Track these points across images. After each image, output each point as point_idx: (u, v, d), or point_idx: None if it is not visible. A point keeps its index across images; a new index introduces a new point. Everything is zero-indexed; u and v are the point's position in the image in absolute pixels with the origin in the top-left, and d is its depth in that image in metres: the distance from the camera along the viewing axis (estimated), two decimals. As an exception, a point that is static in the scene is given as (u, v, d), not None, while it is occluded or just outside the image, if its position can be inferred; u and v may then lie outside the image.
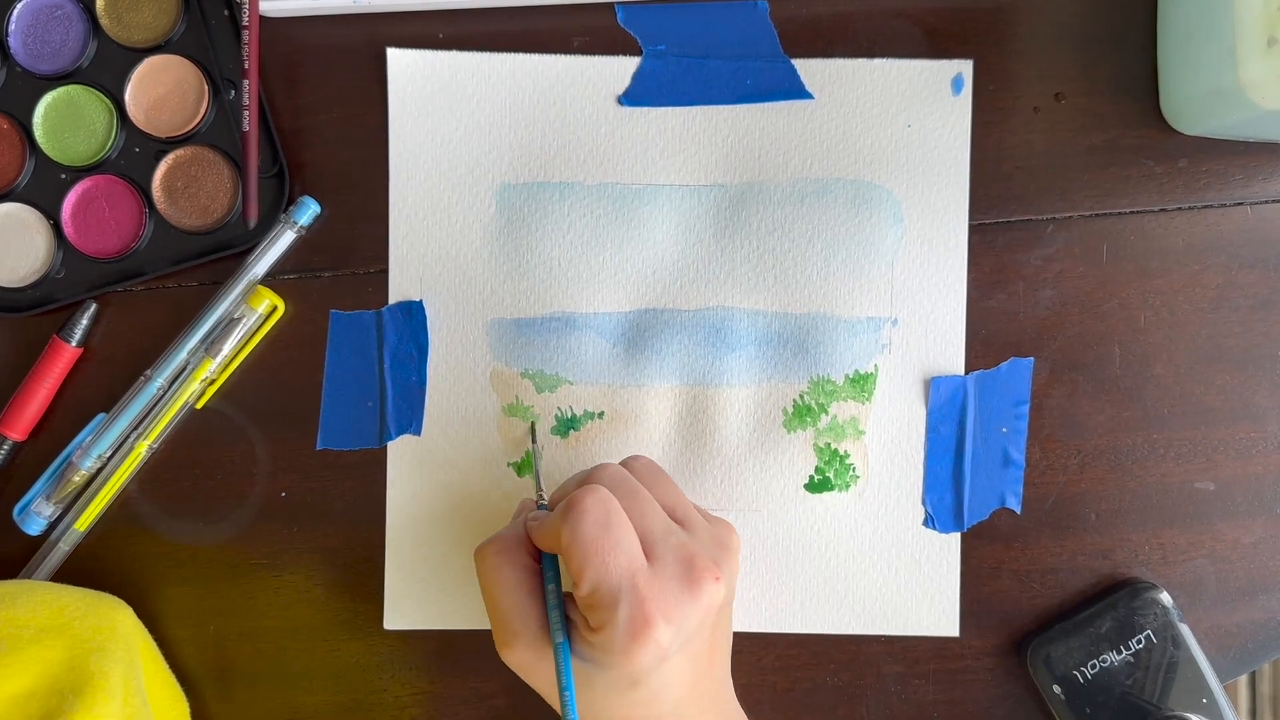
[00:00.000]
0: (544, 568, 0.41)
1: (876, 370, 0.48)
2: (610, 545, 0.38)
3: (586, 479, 0.41)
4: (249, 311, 0.48)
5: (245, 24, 0.47)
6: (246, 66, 0.47)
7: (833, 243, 0.48)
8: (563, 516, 0.39)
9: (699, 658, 0.41)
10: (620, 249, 0.48)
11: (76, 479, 0.48)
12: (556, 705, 0.40)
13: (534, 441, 0.48)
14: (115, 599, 0.46)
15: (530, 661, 0.40)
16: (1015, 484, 0.49)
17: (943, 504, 0.48)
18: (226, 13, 0.48)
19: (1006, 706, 0.49)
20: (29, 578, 0.48)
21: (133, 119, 0.48)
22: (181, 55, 0.48)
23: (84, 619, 0.44)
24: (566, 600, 0.41)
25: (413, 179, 0.49)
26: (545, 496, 0.44)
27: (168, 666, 0.48)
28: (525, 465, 0.49)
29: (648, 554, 0.39)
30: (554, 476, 0.49)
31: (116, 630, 0.44)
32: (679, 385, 0.48)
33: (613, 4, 0.48)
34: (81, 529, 0.48)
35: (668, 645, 0.38)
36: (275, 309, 0.48)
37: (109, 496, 0.48)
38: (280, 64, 0.49)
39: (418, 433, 0.49)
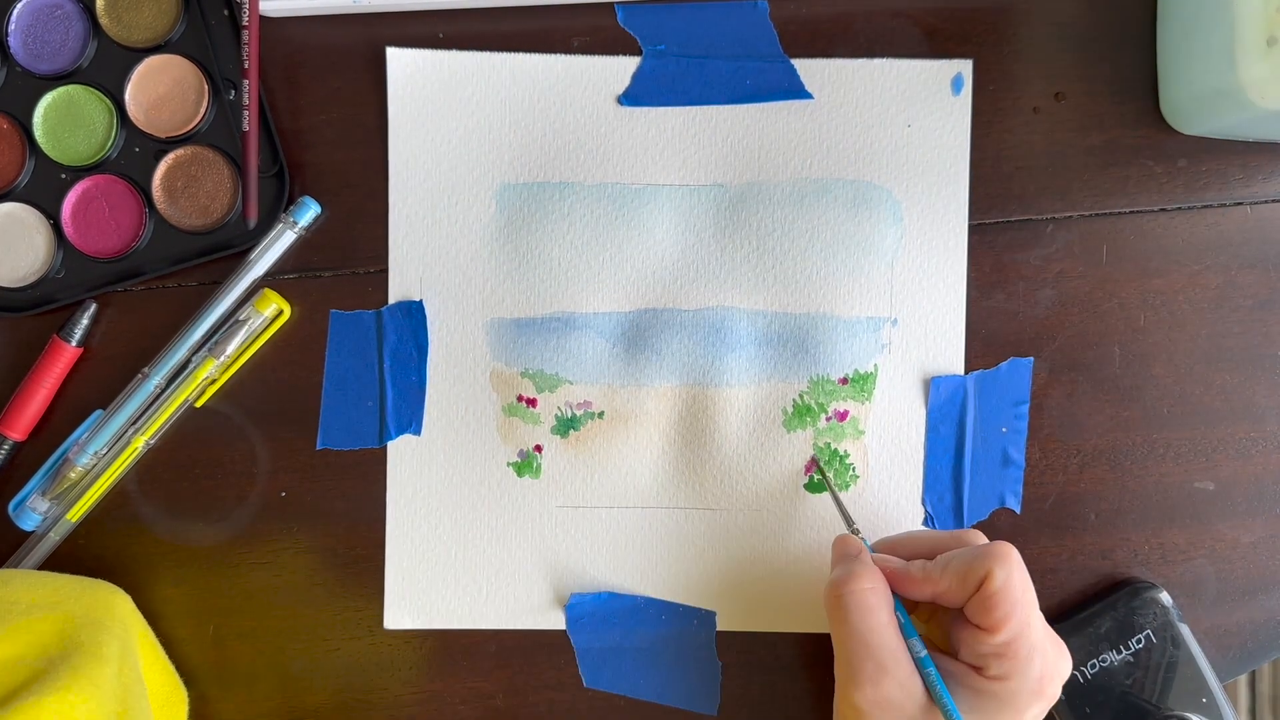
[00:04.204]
0: (900, 614, 0.41)
1: (876, 370, 0.48)
2: (1032, 601, 0.39)
3: (964, 536, 0.42)
4: (255, 314, 0.48)
5: (245, 24, 0.47)
6: (246, 66, 0.47)
7: (833, 243, 0.48)
8: (994, 561, 0.39)
9: None
10: (620, 249, 0.48)
11: (72, 475, 0.48)
12: None
13: (828, 479, 0.48)
14: (112, 586, 0.46)
15: (896, 701, 0.39)
16: (1015, 484, 0.49)
17: (942, 504, 0.48)
18: (226, 13, 0.48)
19: (1006, 706, 0.49)
20: (16, 566, 0.48)
21: (133, 119, 0.48)
22: (181, 55, 0.48)
23: (78, 599, 0.44)
24: (937, 651, 0.41)
25: (413, 179, 0.49)
26: (858, 527, 0.45)
27: (167, 658, 0.48)
28: (525, 466, 0.49)
29: None
30: (558, 478, 0.49)
31: (113, 611, 0.44)
32: (679, 385, 0.48)
33: (613, 4, 0.48)
34: (73, 520, 0.48)
35: (1047, 710, 0.40)
36: (281, 313, 0.48)
37: (103, 489, 0.48)
38: (280, 64, 0.49)
39: (418, 433, 0.49)
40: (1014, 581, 0.39)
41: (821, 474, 0.48)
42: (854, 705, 0.39)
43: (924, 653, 0.40)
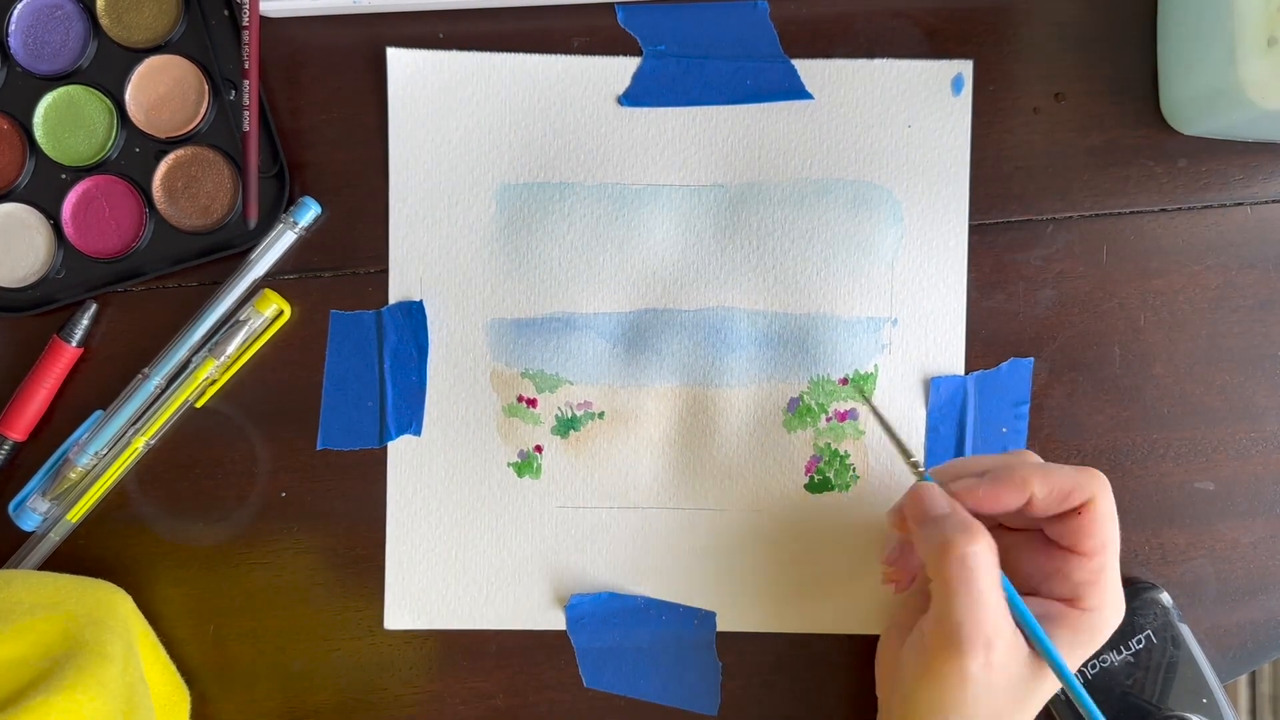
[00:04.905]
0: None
1: (876, 370, 0.48)
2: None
3: (1020, 458, 0.42)
4: (255, 315, 0.48)
5: (245, 24, 0.47)
6: (247, 66, 0.47)
7: (833, 243, 0.48)
8: (1100, 486, 0.40)
9: None
10: (620, 249, 0.48)
11: (73, 475, 0.48)
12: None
13: (878, 414, 0.45)
14: (113, 586, 0.46)
15: (1004, 662, 0.38)
16: (1015, 484, 0.48)
17: (943, 504, 0.48)
18: (226, 13, 0.48)
19: (1006, 706, 0.49)
20: (16, 567, 0.48)
21: (133, 119, 0.48)
22: (181, 55, 0.48)
23: (80, 599, 0.44)
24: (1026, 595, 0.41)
25: (413, 179, 0.49)
26: (922, 466, 0.44)
27: (168, 657, 0.48)
28: (525, 466, 0.49)
29: None
30: (558, 479, 0.49)
31: (115, 611, 0.44)
32: (679, 385, 0.48)
33: (613, 4, 0.48)
34: (73, 520, 0.48)
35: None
36: (281, 313, 0.48)
37: (103, 489, 0.48)
38: (280, 64, 0.49)
39: (418, 433, 0.49)
40: (1111, 503, 0.40)
41: (868, 404, 0.47)
42: (965, 673, 0.38)
43: (1025, 608, 0.39)
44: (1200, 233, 0.48)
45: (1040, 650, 0.39)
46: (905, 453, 0.42)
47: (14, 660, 0.40)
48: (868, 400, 0.47)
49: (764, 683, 0.49)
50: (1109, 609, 0.40)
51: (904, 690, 0.40)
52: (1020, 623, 0.39)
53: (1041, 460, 0.42)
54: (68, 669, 0.39)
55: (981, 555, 0.38)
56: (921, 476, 0.42)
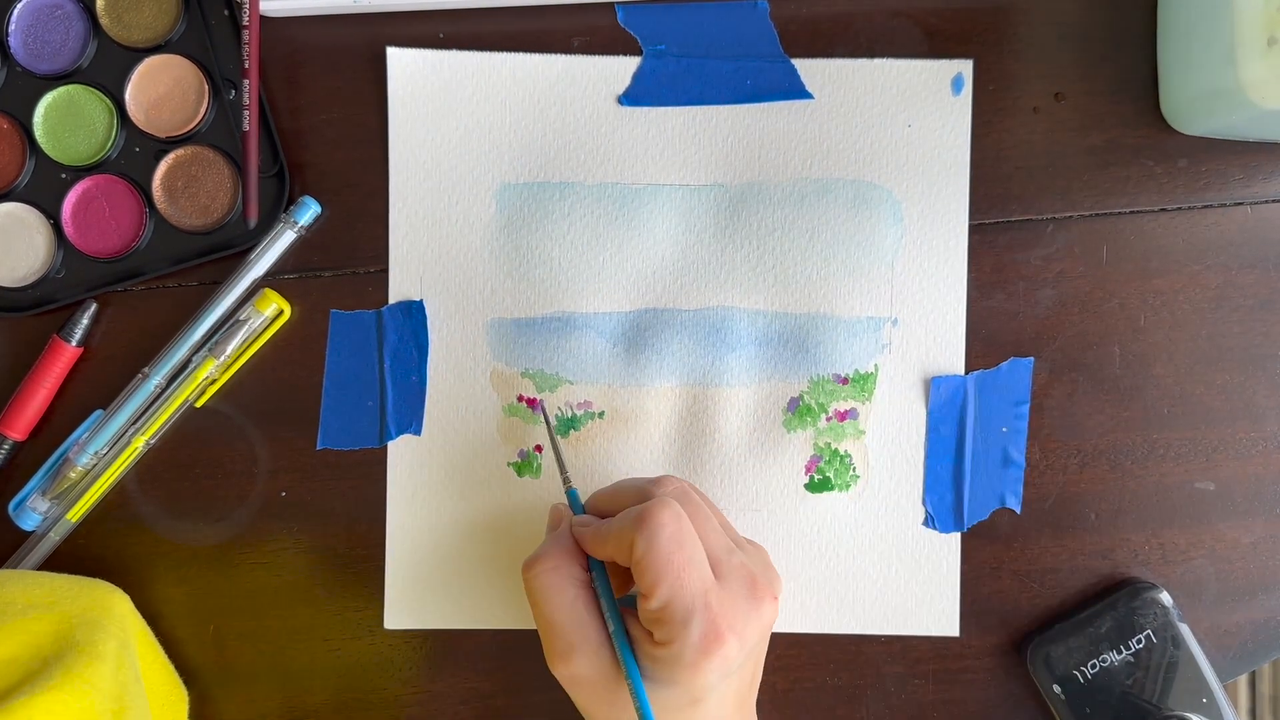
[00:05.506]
0: (596, 580, 0.41)
1: (876, 370, 0.48)
2: (684, 561, 0.38)
3: (650, 488, 0.41)
4: (255, 314, 0.48)
5: (245, 24, 0.47)
6: (246, 66, 0.47)
7: (833, 243, 0.48)
8: (636, 529, 0.38)
9: (746, 677, 0.41)
10: (620, 249, 0.48)
11: (73, 475, 0.48)
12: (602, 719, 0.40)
13: (548, 423, 0.47)
14: (110, 585, 0.46)
15: (588, 675, 0.40)
16: (1015, 484, 0.49)
17: (943, 504, 0.48)
18: (226, 12, 0.48)
19: (1006, 706, 0.49)
20: (15, 567, 0.48)
21: (133, 119, 0.48)
22: (181, 55, 0.48)
23: (75, 599, 0.44)
24: (625, 614, 0.40)
25: (413, 179, 0.49)
26: (571, 481, 0.45)
27: (166, 657, 0.48)
28: (525, 466, 0.49)
29: (714, 571, 0.39)
30: (558, 478, 0.49)
31: (111, 611, 0.44)
32: (679, 385, 0.48)
33: (613, 4, 0.48)
34: (73, 519, 0.48)
35: (734, 661, 0.38)
36: (281, 313, 0.48)
37: (103, 489, 0.48)
38: (280, 64, 0.49)
39: (418, 433, 0.49)
40: (657, 549, 0.38)
41: (545, 416, 0.47)
42: (557, 677, 0.40)
43: (614, 627, 0.40)
44: (1200, 233, 0.48)
45: (622, 665, 0.39)
46: (563, 474, 0.45)
47: (3, 660, 0.40)
48: (545, 415, 0.47)
49: (764, 683, 0.49)
50: (679, 645, 0.38)
51: None
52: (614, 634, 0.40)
53: (670, 486, 0.41)
54: (55, 669, 0.39)
55: (543, 575, 0.41)
56: (567, 488, 0.44)
